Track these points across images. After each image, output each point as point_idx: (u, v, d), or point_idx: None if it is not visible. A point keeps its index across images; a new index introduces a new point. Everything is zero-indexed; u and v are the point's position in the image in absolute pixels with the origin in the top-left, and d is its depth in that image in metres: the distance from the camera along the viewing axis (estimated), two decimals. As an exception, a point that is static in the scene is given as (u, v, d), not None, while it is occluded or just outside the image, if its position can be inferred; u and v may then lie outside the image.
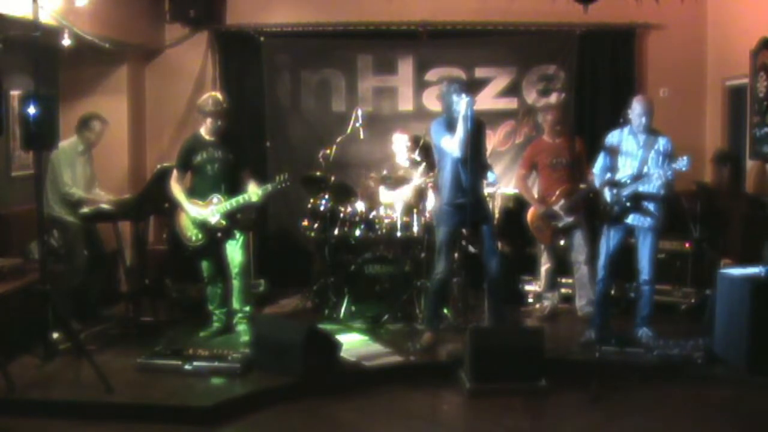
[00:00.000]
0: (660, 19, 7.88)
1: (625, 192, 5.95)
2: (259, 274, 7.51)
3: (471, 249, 6.35)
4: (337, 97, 8.19)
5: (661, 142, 5.99)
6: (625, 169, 6.04)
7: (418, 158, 6.98)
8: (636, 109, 5.97)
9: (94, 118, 6.55)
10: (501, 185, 7.62)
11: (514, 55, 8.08)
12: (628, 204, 5.96)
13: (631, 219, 6.04)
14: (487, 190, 6.63)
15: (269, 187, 6.18)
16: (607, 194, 6.05)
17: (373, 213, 6.90)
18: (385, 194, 7.03)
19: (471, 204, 5.83)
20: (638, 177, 5.94)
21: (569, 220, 6.80)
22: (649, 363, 5.68)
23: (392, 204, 6.94)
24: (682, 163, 5.72)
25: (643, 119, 5.95)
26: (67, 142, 6.35)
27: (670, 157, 5.96)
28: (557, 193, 6.79)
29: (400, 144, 7.15)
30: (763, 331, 5.38)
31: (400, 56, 8.15)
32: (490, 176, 6.57)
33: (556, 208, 6.79)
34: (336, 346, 5.65)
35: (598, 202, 6.55)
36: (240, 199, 6.10)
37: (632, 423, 4.95)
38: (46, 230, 6.44)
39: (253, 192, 6.10)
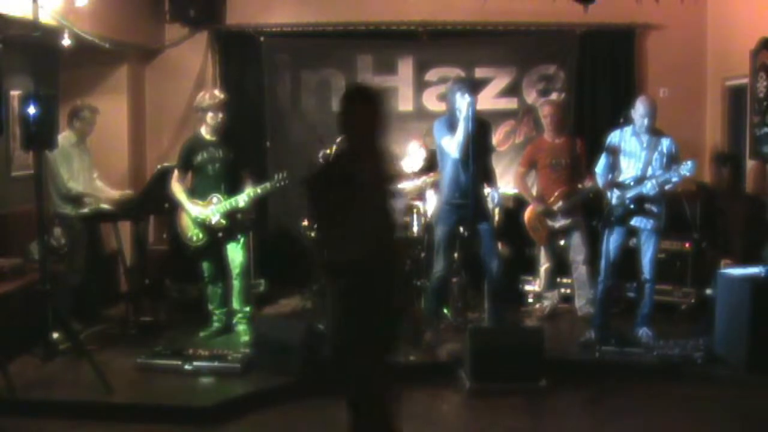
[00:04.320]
0: (660, 19, 7.87)
1: (629, 194, 5.95)
2: (259, 274, 7.50)
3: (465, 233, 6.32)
4: (337, 97, 8.13)
5: (665, 143, 5.99)
6: (629, 171, 6.04)
7: (423, 163, 7.00)
8: (639, 110, 5.97)
9: (82, 108, 6.56)
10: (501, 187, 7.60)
11: (514, 55, 8.08)
12: (632, 206, 5.96)
13: (634, 221, 6.04)
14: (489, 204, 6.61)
15: (268, 186, 6.20)
16: (610, 195, 6.05)
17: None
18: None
19: (470, 204, 5.84)
20: (642, 179, 5.94)
21: (566, 221, 6.81)
22: (649, 363, 5.69)
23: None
24: (686, 168, 5.72)
25: (646, 120, 5.94)
26: (60, 137, 6.30)
27: (674, 158, 5.96)
28: (556, 194, 6.79)
29: (416, 154, 7.11)
30: (763, 331, 5.38)
31: (400, 56, 8.14)
32: (494, 196, 6.46)
33: (554, 209, 6.80)
34: (336, 346, 5.65)
35: (598, 202, 6.56)
36: (240, 200, 6.11)
37: (632, 423, 4.95)
38: (49, 229, 6.46)
39: (246, 194, 6.11)
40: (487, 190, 6.34)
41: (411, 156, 7.17)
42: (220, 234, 6.19)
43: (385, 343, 3.94)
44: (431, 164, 6.92)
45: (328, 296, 4.06)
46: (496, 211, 6.81)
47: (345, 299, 3.81)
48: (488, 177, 6.25)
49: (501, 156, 8.00)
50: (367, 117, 3.81)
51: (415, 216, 6.76)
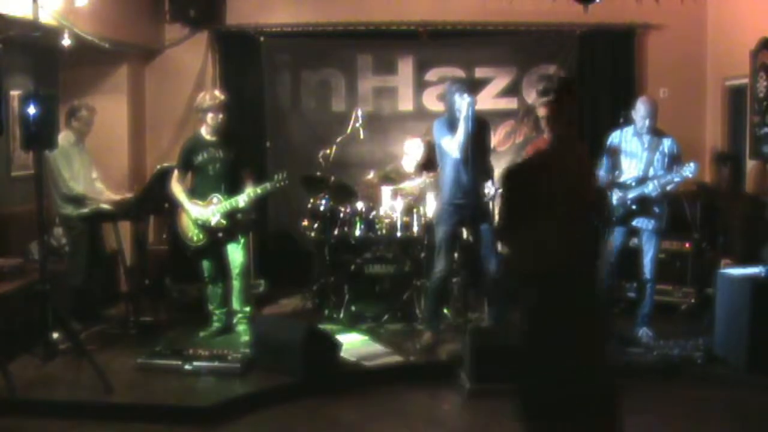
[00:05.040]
0: (660, 19, 7.87)
1: (631, 195, 5.95)
2: (259, 274, 7.51)
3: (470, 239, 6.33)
4: (337, 97, 8.19)
5: (666, 144, 5.99)
6: (630, 171, 6.04)
7: (420, 160, 7.01)
8: (640, 111, 5.97)
9: (79, 107, 6.56)
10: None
11: (514, 55, 8.08)
12: (633, 207, 5.96)
13: (635, 221, 6.04)
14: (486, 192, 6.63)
15: (268, 186, 6.20)
16: (612, 196, 6.05)
17: (373, 213, 6.90)
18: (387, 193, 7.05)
19: (471, 204, 5.84)
20: (643, 179, 5.94)
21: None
22: (649, 363, 5.68)
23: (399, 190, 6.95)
24: (689, 169, 5.73)
25: (647, 121, 5.94)
26: (60, 137, 6.25)
27: (675, 158, 5.96)
28: (557, 193, 6.79)
29: (413, 149, 7.13)
30: (763, 331, 5.38)
31: (400, 56, 8.15)
32: (491, 187, 6.50)
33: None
34: (336, 346, 5.65)
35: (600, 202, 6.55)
36: (240, 200, 6.11)
37: (632, 423, 4.93)
38: (49, 229, 6.47)
39: (246, 194, 6.11)
40: (488, 189, 6.36)
41: (410, 154, 7.17)
42: (220, 234, 6.19)
43: (584, 365, 3.42)
44: (430, 159, 6.94)
45: (521, 309, 3.63)
46: (498, 196, 6.85)
47: (536, 314, 3.43)
48: (489, 175, 6.27)
49: (501, 156, 8.00)
50: (572, 110, 3.47)
51: (415, 216, 6.77)
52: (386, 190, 7.03)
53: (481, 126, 5.97)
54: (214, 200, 6.14)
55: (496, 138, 8.02)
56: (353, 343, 6.11)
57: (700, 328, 6.06)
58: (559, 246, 3.36)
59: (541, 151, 3.53)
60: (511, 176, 3.59)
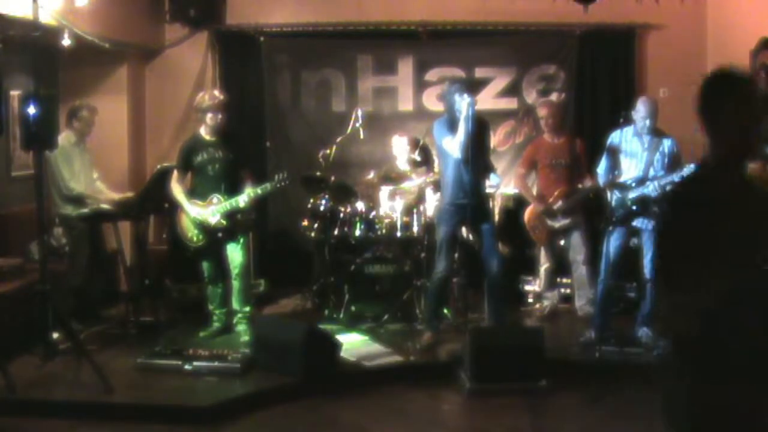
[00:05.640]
0: (660, 19, 7.87)
1: (632, 195, 5.94)
2: (259, 274, 7.50)
3: (472, 242, 6.34)
4: (337, 97, 8.19)
5: (666, 144, 5.99)
6: (630, 171, 6.03)
7: (418, 158, 7.00)
8: (640, 111, 5.96)
9: (81, 108, 6.57)
10: (501, 186, 7.63)
11: (514, 55, 8.08)
12: (633, 208, 5.96)
13: (635, 221, 6.04)
14: (488, 191, 6.64)
15: (268, 186, 6.20)
16: (611, 196, 6.05)
17: (373, 213, 6.90)
18: (386, 196, 7.04)
19: (472, 203, 5.85)
20: (643, 180, 5.93)
21: (566, 221, 6.81)
22: (649, 363, 5.68)
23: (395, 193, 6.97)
24: (689, 170, 5.72)
25: (648, 121, 5.94)
26: (60, 137, 6.16)
27: (676, 159, 5.96)
28: (555, 194, 6.79)
29: (399, 146, 7.16)
30: (763, 331, 5.36)
31: (400, 56, 8.15)
32: (494, 179, 6.59)
33: (554, 208, 6.80)
34: (336, 346, 5.65)
35: (599, 202, 6.55)
36: (240, 200, 6.11)
37: (632, 423, 4.94)
38: (49, 229, 6.47)
39: (246, 194, 6.11)
40: (490, 189, 6.39)
41: (398, 153, 7.16)
42: (220, 234, 6.19)
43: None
44: (426, 156, 6.96)
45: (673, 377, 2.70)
46: (498, 196, 6.84)
47: (696, 390, 2.57)
48: (489, 174, 6.28)
49: (501, 156, 8.00)
50: (742, 114, 2.63)
51: (415, 216, 6.77)
52: (386, 190, 7.03)
53: (481, 126, 5.98)
54: (214, 200, 6.14)
55: (496, 138, 8.02)
56: (353, 343, 6.11)
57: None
58: (733, 299, 2.51)
59: (700, 172, 2.74)
60: (668, 213, 2.85)
